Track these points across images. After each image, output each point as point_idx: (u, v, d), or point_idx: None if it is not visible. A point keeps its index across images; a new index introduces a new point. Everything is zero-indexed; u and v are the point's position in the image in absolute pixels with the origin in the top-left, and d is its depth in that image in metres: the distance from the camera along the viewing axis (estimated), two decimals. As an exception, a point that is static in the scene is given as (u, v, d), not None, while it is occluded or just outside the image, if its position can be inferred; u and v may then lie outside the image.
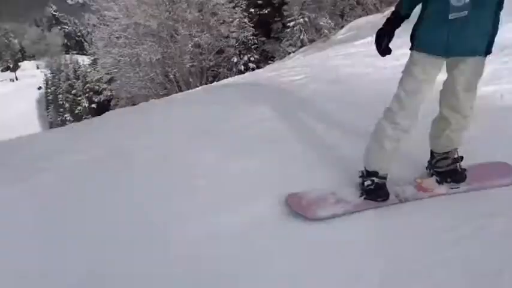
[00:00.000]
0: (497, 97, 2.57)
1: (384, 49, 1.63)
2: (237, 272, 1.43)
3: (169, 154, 2.53)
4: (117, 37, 15.35)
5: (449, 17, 1.48)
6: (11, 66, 76.07)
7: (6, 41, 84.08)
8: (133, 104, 18.16)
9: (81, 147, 3.05)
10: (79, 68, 30.79)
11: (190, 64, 14.32)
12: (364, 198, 1.77)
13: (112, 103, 21.43)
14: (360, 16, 10.53)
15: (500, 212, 1.57)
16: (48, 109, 33.18)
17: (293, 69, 5.22)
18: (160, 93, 14.40)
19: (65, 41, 77.17)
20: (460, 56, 1.57)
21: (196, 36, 13.90)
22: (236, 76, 9.16)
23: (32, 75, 62.70)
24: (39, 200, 2.10)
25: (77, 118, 26.64)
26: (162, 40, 14.53)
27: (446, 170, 1.79)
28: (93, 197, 2.09)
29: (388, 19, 1.66)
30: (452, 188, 1.79)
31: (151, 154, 2.54)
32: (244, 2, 15.07)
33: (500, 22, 1.55)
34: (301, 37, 11.21)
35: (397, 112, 1.63)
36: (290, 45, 11.68)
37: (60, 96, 29.91)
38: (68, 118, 27.68)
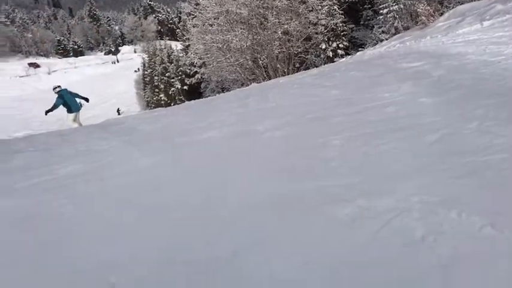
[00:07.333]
0: None
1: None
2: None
3: (296, 135, 2.89)
4: (210, 24, 16.41)
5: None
6: (113, 50, 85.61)
7: (108, 27, 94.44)
8: (223, 87, 19.40)
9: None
10: (172, 52, 33.40)
11: (278, 50, 14.76)
12: None
13: (202, 86, 23.14)
14: (462, 3, 9.76)
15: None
16: (145, 89, 36.75)
17: (408, 55, 4.92)
18: (249, 78, 15.22)
19: (159, 27, 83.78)
20: None
21: (285, 24, 14.23)
22: (340, 61, 8.90)
23: (130, 58, 69.97)
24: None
25: (171, 98, 29.32)
26: (252, 27, 15.14)
27: None
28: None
29: None
30: None
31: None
32: (334, -11, 14.94)
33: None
34: (395, 24, 10.86)
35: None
36: (383, 32, 11.39)
37: (156, 78, 32.87)
38: (162, 98, 30.49)
